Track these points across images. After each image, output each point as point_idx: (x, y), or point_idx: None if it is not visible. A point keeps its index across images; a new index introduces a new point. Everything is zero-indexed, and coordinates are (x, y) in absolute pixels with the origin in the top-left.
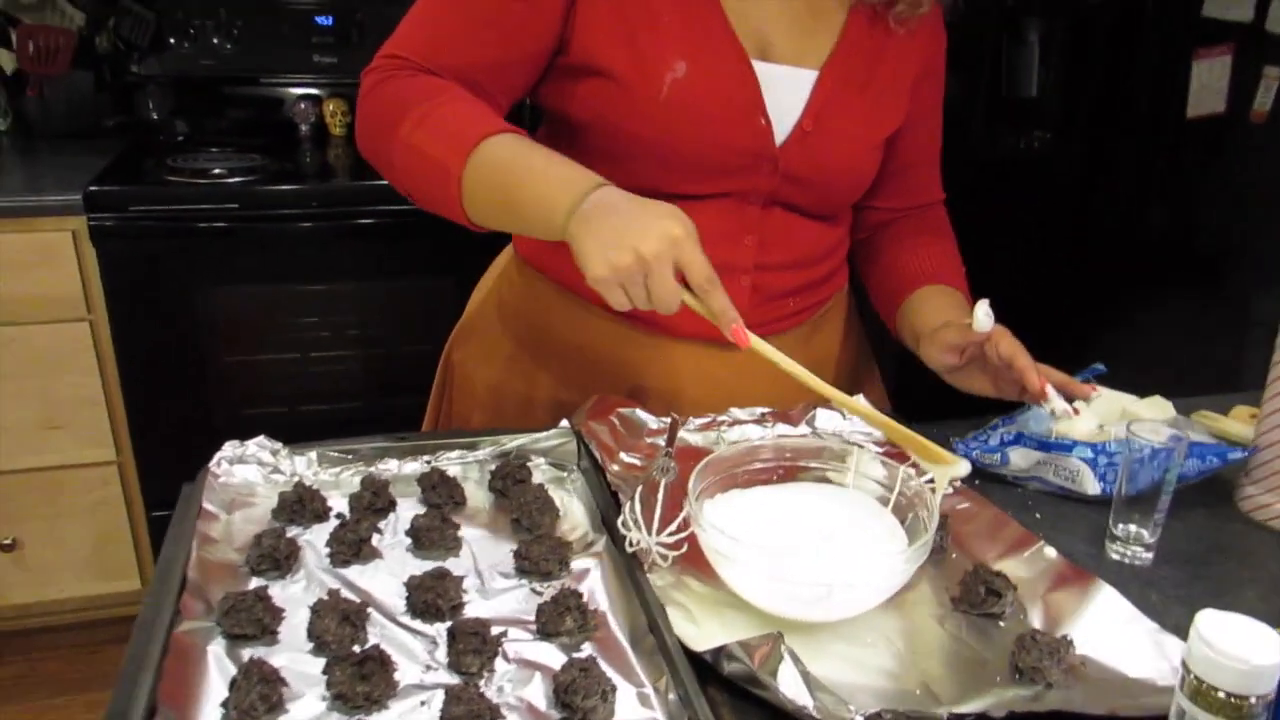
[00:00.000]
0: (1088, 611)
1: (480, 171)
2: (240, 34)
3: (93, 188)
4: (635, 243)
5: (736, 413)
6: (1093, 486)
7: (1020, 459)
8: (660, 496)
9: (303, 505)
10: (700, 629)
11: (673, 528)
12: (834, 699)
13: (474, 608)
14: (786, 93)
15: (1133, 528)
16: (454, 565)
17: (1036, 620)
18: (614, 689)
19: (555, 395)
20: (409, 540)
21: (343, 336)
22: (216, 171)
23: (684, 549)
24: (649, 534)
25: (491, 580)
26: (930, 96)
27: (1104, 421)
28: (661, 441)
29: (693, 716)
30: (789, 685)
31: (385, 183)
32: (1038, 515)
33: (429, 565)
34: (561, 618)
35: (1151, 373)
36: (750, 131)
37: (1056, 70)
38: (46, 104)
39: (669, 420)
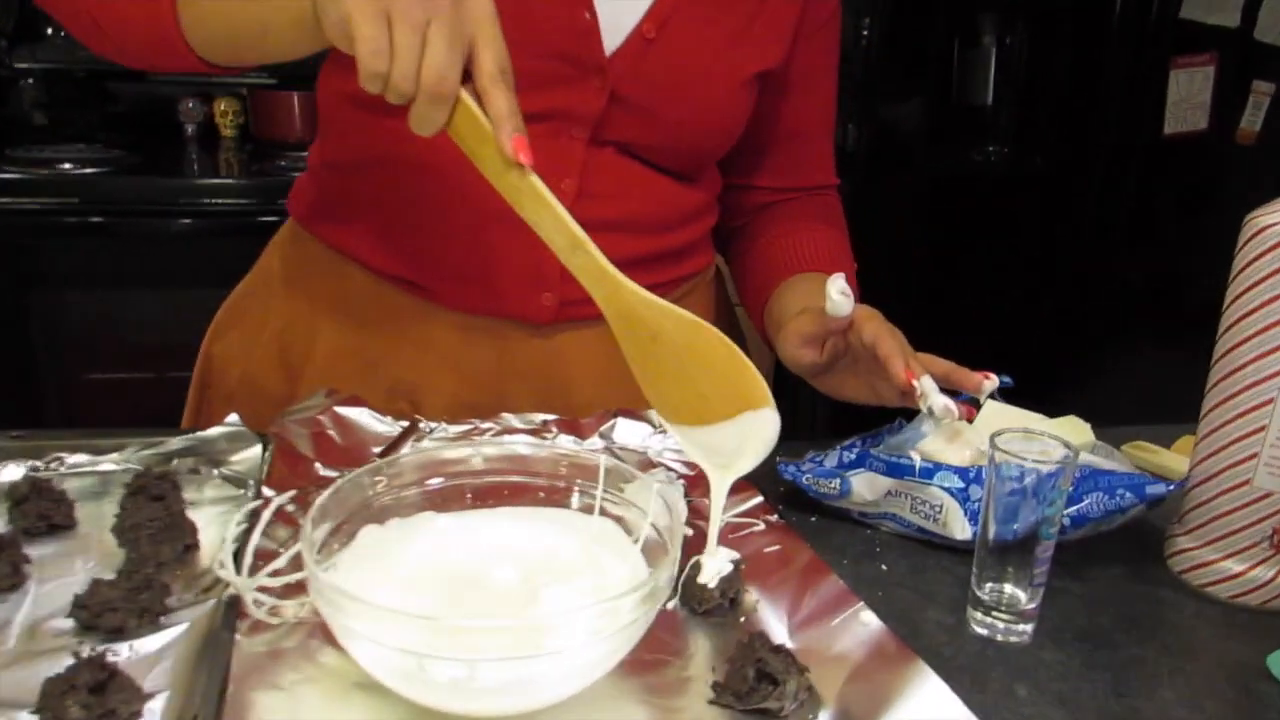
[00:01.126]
0: (902, 712)
1: None
2: None
3: None
4: None
5: (510, 419)
6: (962, 529)
7: (865, 487)
8: (266, 516)
9: None
10: None
11: (280, 563)
12: None
13: None
14: None
15: (1006, 588)
16: None
17: None
18: None
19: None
20: None
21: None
22: (65, 166)
23: (305, 600)
24: (247, 573)
25: (36, 639)
26: (818, 56)
27: None
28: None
29: None
30: None
31: (256, 183)
32: (883, 567)
33: None
34: (66, 703)
35: (1117, 411)
36: (569, 27)
37: (1014, 76)
38: None
39: (406, 424)
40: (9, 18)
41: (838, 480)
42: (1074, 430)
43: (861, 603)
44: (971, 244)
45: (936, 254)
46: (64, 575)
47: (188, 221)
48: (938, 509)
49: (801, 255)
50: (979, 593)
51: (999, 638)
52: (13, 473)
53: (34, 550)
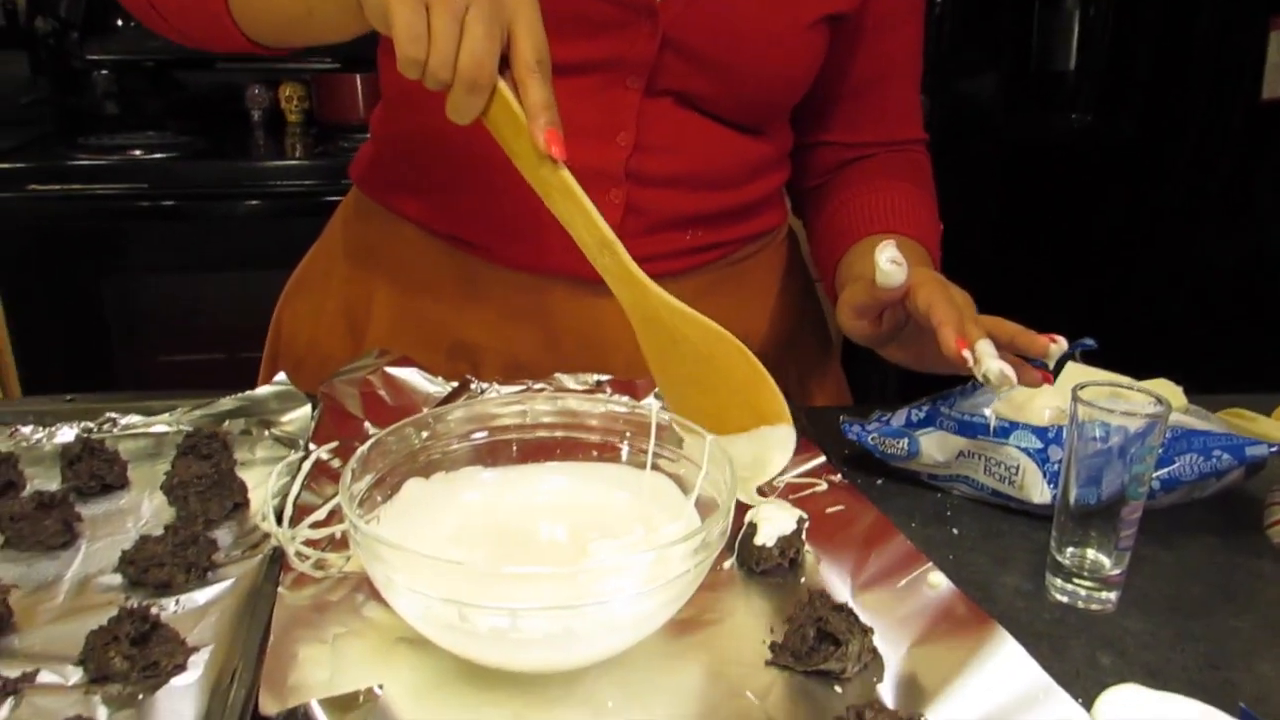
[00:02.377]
0: (974, 677)
1: None
2: None
3: None
4: None
5: (563, 379)
6: (1040, 493)
7: (935, 448)
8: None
9: None
10: (332, 678)
11: (319, 515)
12: None
13: (13, 637)
14: None
15: (1088, 553)
16: (40, 571)
17: (890, 687)
18: None
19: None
20: None
21: None
22: (135, 152)
23: (350, 554)
24: (288, 526)
25: (84, 594)
26: None
27: None
28: None
29: None
30: None
31: (321, 163)
32: (955, 531)
33: (17, 569)
34: (109, 654)
35: (1206, 390)
36: None
37: (1098, 39)
38: None
39: (456, 385)
40: (79, 11)
41: (905, 440)
42: (1164, 393)
43: (930, 563)
44: (1053, 216)
45: (1015, 226)
46: (115, 533)
47: (255, 203)
48: (1014, 470)
49: (877, 215)
50: (1059, 557)
51: (1080, 605)
52: (67, 435)
53: (86, 509)
